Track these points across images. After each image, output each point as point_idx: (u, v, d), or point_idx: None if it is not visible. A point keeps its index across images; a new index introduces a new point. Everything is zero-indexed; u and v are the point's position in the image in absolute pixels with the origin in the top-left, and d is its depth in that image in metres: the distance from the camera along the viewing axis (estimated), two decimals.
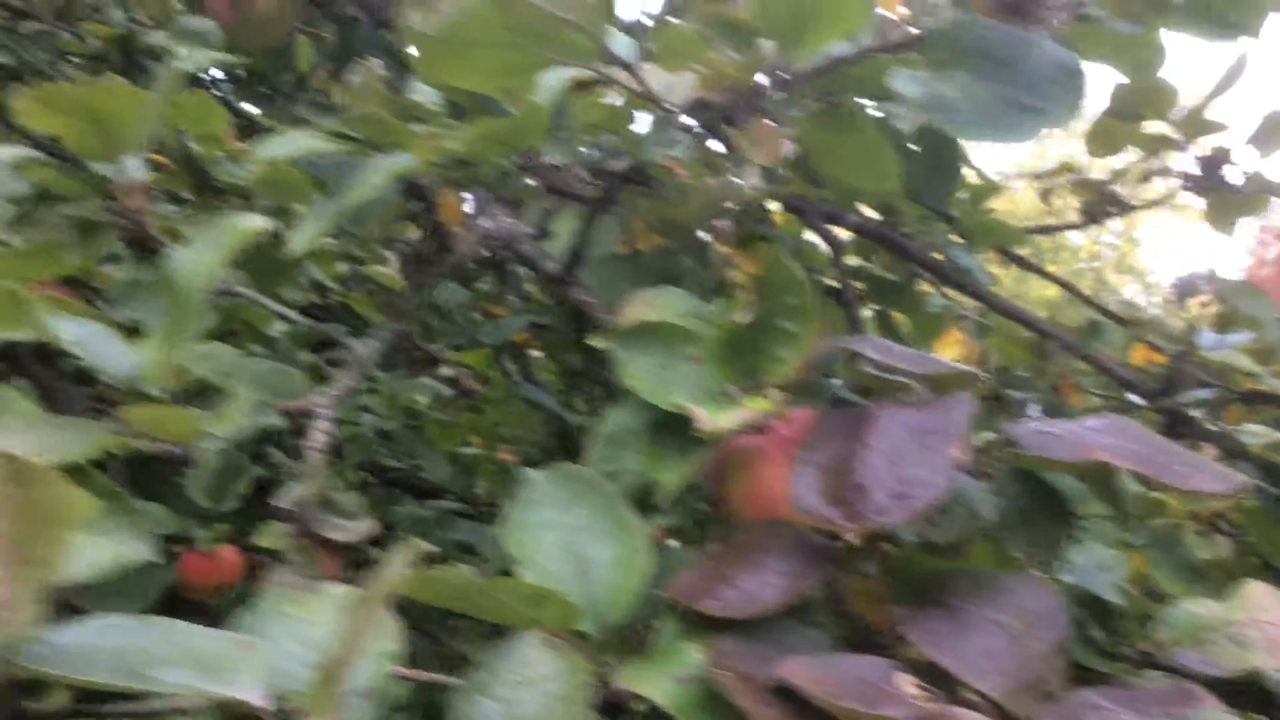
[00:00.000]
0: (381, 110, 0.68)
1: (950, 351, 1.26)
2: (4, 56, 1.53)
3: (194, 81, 1.56)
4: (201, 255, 0.54)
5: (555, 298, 0.79)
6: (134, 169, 0.71)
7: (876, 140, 0.58)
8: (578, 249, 0.73)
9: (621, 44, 0.60)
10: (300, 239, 0.62)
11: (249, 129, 1.41)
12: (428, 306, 1.69)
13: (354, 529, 0.55)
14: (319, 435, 0.61)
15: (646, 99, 0.61)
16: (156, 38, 1.40)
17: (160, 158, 1.04)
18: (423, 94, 0.70)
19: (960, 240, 1.08)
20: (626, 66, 0.59)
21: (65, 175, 0.70)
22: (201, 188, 1.14)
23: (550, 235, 0.80)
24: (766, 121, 0.58)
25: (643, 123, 0.75)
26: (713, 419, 0.49)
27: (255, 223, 0.54)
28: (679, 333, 0.54)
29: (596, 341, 0.83)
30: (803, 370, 0.52)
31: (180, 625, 0.45)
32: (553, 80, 0.59)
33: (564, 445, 1.20)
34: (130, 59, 1.45)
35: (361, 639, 0.40)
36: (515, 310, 1.15)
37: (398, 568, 0.41)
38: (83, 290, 0.86)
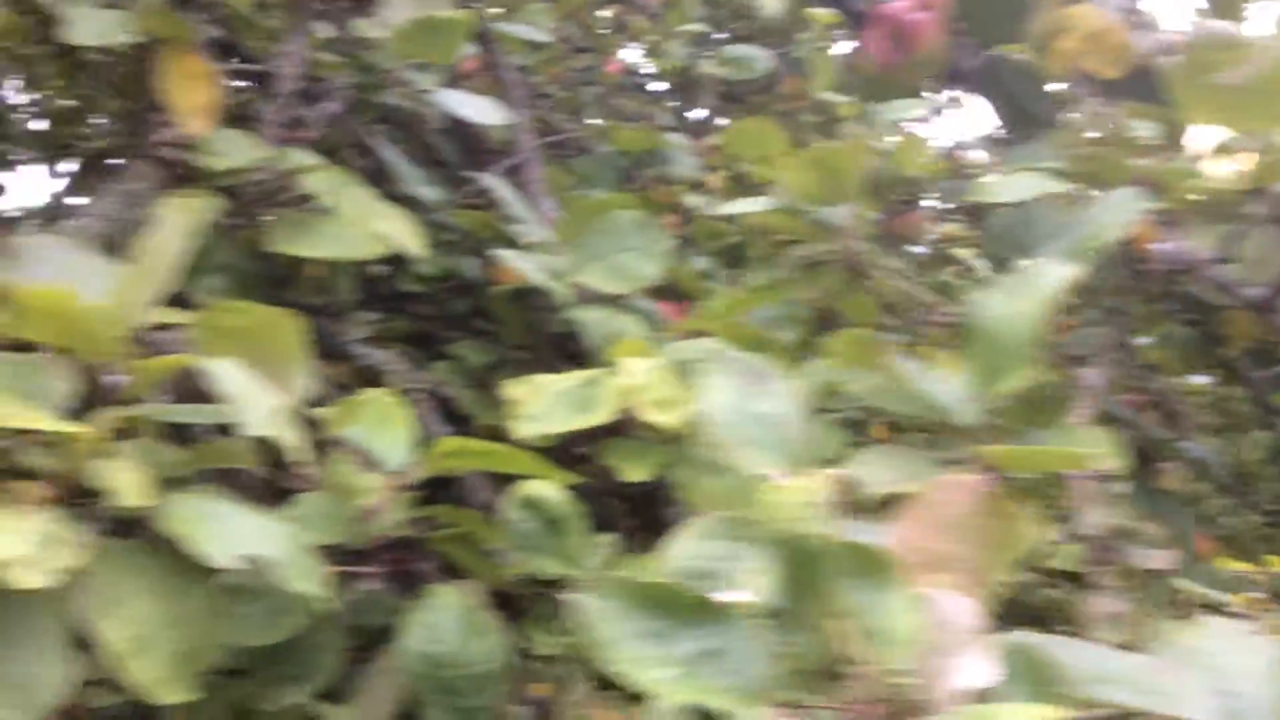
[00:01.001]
0: (1106, 149, 0.71)
1: None
2: (561, 90, 1.75)
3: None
4: (1018, 304, 0.59)
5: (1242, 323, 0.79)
6: (851, 214, 0.80)
7: None
8: None
9: None
10: (1057, 280, 0.66)
11: None
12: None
13: (1159, 557, 0.59)
14: None
15: None
16: (708, 65, 1.54)
17: None
18: (1142, 130, 0.73)
19: None
20: None
21: (797, 221, 0.79)
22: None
23: (1233, 260, 0.79)
24: None
25: None
26: None
27: (1069, 272, 0.59)
28: None
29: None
30: None
31: (1086, 645, 0.50)
32: None
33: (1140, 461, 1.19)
34: (686, 87, 1.60)
35: None
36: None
37: None
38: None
